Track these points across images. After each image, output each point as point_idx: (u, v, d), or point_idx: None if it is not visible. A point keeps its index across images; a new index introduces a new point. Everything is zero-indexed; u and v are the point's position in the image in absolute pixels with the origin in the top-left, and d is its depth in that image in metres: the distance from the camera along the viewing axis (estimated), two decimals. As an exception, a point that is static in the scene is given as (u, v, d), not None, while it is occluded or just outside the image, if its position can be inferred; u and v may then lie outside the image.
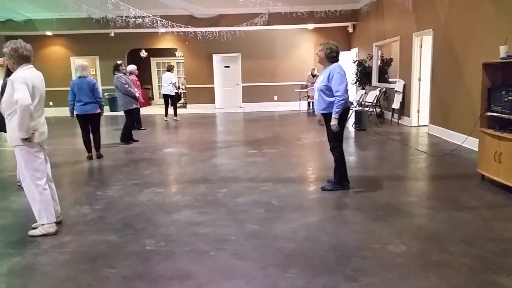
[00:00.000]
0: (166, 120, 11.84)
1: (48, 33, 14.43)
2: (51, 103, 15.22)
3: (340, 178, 4.68)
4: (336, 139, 4.57)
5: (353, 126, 9.38)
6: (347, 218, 3.87)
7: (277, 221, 3.80)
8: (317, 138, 8.31)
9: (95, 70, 16.20)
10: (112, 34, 14.28)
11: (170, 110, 11.78)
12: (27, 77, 3.43)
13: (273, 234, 3.50)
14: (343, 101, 4.31)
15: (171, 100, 11.81)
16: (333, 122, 4.36)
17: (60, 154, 7.28)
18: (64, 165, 6.48)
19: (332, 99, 4.36)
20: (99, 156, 6.78)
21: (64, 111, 12.91)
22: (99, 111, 6.58)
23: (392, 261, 2.95)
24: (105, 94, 15.17)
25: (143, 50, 16.38)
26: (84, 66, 6.62)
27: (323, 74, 4.45)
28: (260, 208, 4.15)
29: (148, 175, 5.64)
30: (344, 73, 4.41)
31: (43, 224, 3.57)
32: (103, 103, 6.72)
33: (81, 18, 12.95)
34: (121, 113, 8.56)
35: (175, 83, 11.71)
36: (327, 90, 4.39)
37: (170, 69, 11.85)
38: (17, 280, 2.83)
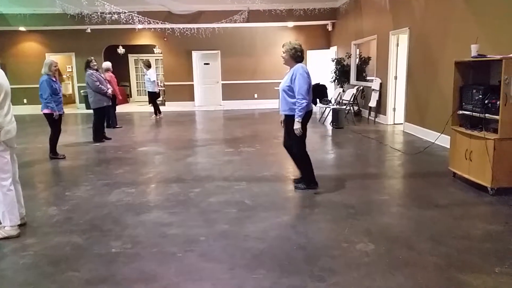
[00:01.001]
0: (154, 117, 11.78)
1: (22, 28, 14.02)
2: (25, 101, 14.87)
3: (311, 177, 4.64)
4: (299, 142, 4.50)
5: (331, 124, 9.42)
6: (318, 217, 3.86)
7: (248, 220, 3.76)
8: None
9: (71, 67, 15.86)
10: (89, 31, 13.97)
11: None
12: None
13: (243, 234, 3.46)
14: (305, 104, 4.23)
15: (150, 97, 11.73)
16: (296, 126, 4.27)
17: (31, 153, 7.07)
18: (33, 164, 6.30)
19: (294, 100, 4.29)
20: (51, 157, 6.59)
21: (38, 109, 12.64)
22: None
23: (360, 260, 2.94)
24: (81, 91, 14.88)
25: (120, 47, 16.12)
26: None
27: (287, 75, 4.42)
28: (232, 208, 4.10)
29: (120, 175, 5.53)
30: (308, 74, 4.32)
31: (4, 227, 3.44)
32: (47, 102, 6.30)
33: (56, 14, 12.63)
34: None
35: (154, 80, 11.53)
36: (290, 91, 4.32)
37: (149, 65, 11.70)
38: (-27, 286, 2.72)
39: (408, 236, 3.34)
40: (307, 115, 4.40)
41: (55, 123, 6.36)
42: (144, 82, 11.83)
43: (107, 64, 10.00)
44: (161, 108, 12.54)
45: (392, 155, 6.41)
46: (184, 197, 4.48)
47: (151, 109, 12.45)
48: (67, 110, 14.68)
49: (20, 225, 3.58)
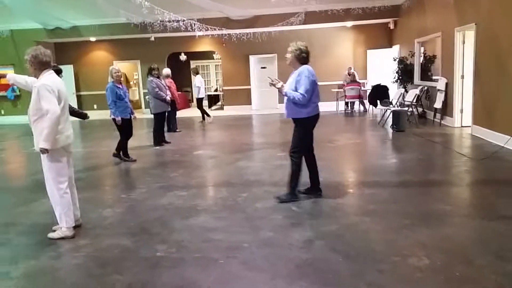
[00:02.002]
0: (201, 122, 12.09)
1: (92, 38, 15.01)
2: (95, 106, 15.85)
3: (293, 189, 4.35)
4: (298, 144, 4.34)
5: (391, 127, 8.97)
6: (369, 226, 3.64)
7: (294, 228, 3.65)
8: (351, 140, 8.02)
9: (137, 74, 16.69)
10: (153, 39, 14.61)
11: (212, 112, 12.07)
12: (51, 83, 3.49)
13: (288, 242, 3.35)
14: (301, 98, 4.06)
15: (197, 103, 12.09)
16: (279, 86, 4.17)
17: (96, 156, 7.49)
18: (96, 167, 6.66)
19: (310, 101, 4.16)
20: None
21: (108, 114, 13.51)
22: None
23: (411, 276, 2.71)
24: (146, 97, 15.59)
25: (182, 54, 16.67)
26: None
27: (292, 77, 4.22)
28: (278, 214, 4.01)
29: (174, 178, 5.66)
30: (313, 76, 4.13)
31: (61, 228, 3.63)
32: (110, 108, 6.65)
33: (121, 23, 13.34)
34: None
35: (198, 87, 11.88)
36: None
37: (196, 72, 12.08)
38: (28, 284, 2.88)
39: (468, 250, 3.04)
40: (313, 119, 4.28)
41: (121, 127, 6.66)
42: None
43: (167, 71, 10.34)
44: (220, 112, 12.77)
45: (457, 160, 5.93)
46: (231, 202, 4.46)
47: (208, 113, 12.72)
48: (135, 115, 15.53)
49: (75, 227, 3.76)
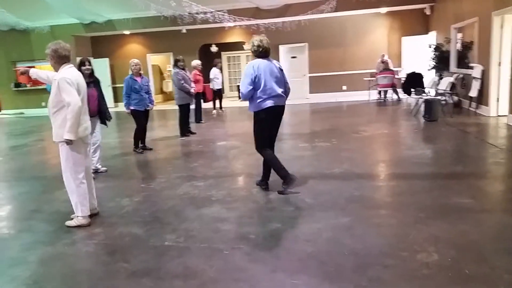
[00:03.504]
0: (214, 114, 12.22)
1: (126, 32, 15.37)
2: (130, 98, 16.26)
3: (285, 177, 4.34)
4: (256, 138, 4.42)
5: (423, 116, 8.62)
6: (381, 220, 3.52)
7: (303, 220, 3.60)
8: (378, 130, 7.79)
9: (170, 66, 16.96)
10: (184, 31, 14.78)
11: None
12: (71, 76, 3.60)
13: (294, 234, 3.31)
14: (240, 95, 4.31)
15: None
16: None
17: (123, 147, 7.69)
18: (121, 156, 6.83)
19: (256, 96, 4.16)
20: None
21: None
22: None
23: (417, 272, 2.61)
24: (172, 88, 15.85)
25: (213, 45, 16.76)
26: None
27: None
28: (290, 206, 3.96)
29: (194, 168, 5.72)
30: (258, 71, 4.08)
31: (77, 216, 3.76)
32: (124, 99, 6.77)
33: (153, 17, 13.55)
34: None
35: (211, 78, 12.01)
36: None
37: (214, 65, 12.15)
38: (41, 269, 3.01)
39: (483, 248, 2.87)
40: (263, 113, 4.21)
41: (135, 119, 6.81)
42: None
43: (194, 62, 10.43)
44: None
45: (488, 151, 5.63)
46: (245, 193, 4.46)
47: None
48: (167, 106, 15.84)
49: (92, 215, 3.89)
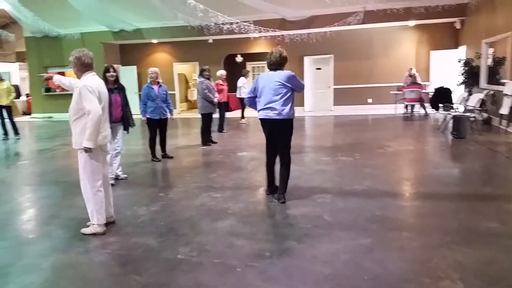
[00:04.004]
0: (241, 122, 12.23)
1: (154, 40, 15.63)
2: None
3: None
4: None
5: (451, 133, 8.32)
6: (404, 242, 3.35)
7: (321, 239, 3.46)
8: (404, 146, 7.56)
9: (196, 75, 17.11)
10: (211, 41, 14.92)
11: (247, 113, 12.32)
12: (93, 84, 3.62)
13: (311, 254, 3.18)
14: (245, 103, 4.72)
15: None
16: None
17: (145, 154, 7.70)
18: (142, 164, 6.84)
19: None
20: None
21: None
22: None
23: (440, 303, 2.44)
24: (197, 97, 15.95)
25: (238, 55, 16.83)
26: None
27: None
28: (308, 223, 3.83)
29: (213, 179, 5.66)
30: (256, 83, 4.47)
31: (93, 224, 3.75)
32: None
33: (181, 26, 13.75)
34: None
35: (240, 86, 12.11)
36: None
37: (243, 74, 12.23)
38: (52, 277, 2.99)
39: (514, 280, 2.68)
40: (260, 121, 4.48)
41: (148, 127, 6.85)
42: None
43: (219, 72, 10.47)
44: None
45: (520, 173, 5.35)
46: (262, 207, 4.36)
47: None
48: (191, 114, 15.90)
49: (109, 223, 3.87)
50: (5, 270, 3.11)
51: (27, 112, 17.71)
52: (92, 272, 3.05)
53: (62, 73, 17.69)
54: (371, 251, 3.20)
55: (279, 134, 4.42)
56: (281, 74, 4.31)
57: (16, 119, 10.88)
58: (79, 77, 3.75)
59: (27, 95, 17.82)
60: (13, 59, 20.01)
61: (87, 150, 3.58)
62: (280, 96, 4.27)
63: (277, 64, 4.36)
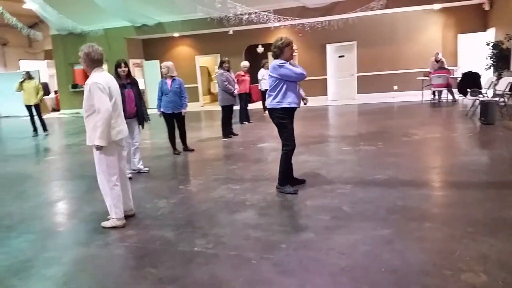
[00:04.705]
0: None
1: (175, 34, 15.73)
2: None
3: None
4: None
5: (479, 119, 8.01)
6: (425, 233, 3.24)
7: (339, 231, 3.39)
8: (430, 133, 7.33)
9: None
10: (231, 32, 14.87)
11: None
12: (102, 81, 3.57)
13: (328, 246, 3.12)
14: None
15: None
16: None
17: (168, 147, 7.76)
18: (164, 157, 6.91)
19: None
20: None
21: (192, 106, 14.27)
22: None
23: (461, 297, 2.34)
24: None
25: (259, 46, 16.72)
26: None
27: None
28: (326, 214, 3.76)
29: (232, 171, 5.66)
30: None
31: (112, 218, 3.80)
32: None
33: (201, 19, 13.75)
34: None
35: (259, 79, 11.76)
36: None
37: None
38: (72, 270, 3.06)
39: (542, 272, 2.54)
40: (282, 111, 4.30)
41: (166, 121, 6.87)
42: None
43: (243, 64, 10.43)
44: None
45: (553, 159, 5.08)
46: (280, 198, 4.32)
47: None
48: (214, 107, 15.91)
49: (128, 216, 3.92)
50: (29, 263, 3.19)
51: (56, 109, 18.24)
52: (110, 266, 3.10)
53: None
54: (390, 242, 3.11)
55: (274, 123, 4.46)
56: (271, 64, 4.33)
57: (45, 116, 11.23)
58: (88, 73, 3.70)
59: (55, 92, 18.32)
60: (41, 57, 20.62)
61: (98, 148, 3.60)
62: (270, 86, 4.35)
63: (274, 54, 4.33)
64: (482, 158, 5.53)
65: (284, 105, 4.29)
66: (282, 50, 4.24)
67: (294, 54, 4.52)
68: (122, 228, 3.76)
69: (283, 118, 4.34)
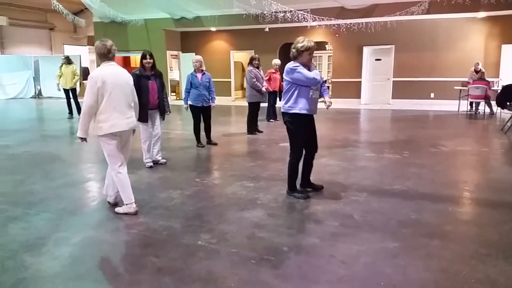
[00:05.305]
0: None
1: (212, 28, 15.87)
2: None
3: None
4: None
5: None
6: (433, 250, 3.13)
7: (345, 239, 3.34)
8: (460, 146, 7.06)
9: (252, 63, 17.16)
10: (267, 29, 14.84)
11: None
12: (99, 75, 3.64)
13: (331, 253, 3.08)
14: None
15: None
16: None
17: (192, 139, 7.83)
18: (186, 149, 7.01)
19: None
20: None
21: (223, 100, 14.40)
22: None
23: (458, 320, 2.26)
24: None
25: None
26: None
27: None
28: (335, 221, 3.71)
29: (250, 168, 5.67)
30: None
31: (126, 204, 3.91)
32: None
33: (238, 15, 13.80)
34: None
35: None
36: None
37: None
38: (78, 252, 3.17)
39: (551, 304, 2.40)
40: (293, 116, 4.16)
41: (193, 114, 6.95)
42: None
43: (274, 61, 10.39)
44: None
45: None
46: (292, 200, 4.29)
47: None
48: (244, 103, 15.97)
49: (111, 204, 4.08)
50: (42, 241, 3.34)
51: (94, 93, 18.85)
52: (115, 251, 3.19)
53: (128, 58, 18.68)
54: (395, 256, 3.03)
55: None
56: (285, 67, 4.18)
57: (82, 100, 11.64)
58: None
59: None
60: (84, 42, 21.38)
61: (81, 139, 3.76)
62: (284, 89, 4.24)
63: (291, 55, 4.16)
64: (510, 177, 5.27)
65: (295, 110, 4.14)
66: (301, 54, 4.06)
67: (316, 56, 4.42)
68: (134, 215, 3.86)
69: (293, 124, 4.20)
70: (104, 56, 3.76)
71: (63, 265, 2.94)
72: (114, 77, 3.75)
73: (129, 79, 3.94)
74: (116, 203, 4.10)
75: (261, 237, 3.37)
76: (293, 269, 2.85)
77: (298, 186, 4.48)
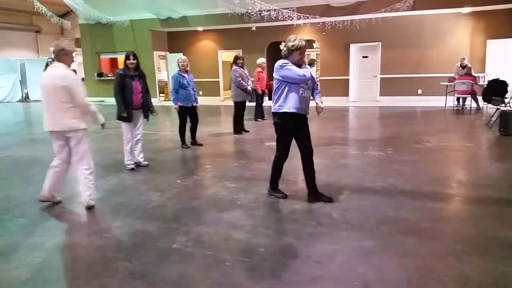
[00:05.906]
0: None
1: (199, 28, 15.79)
2: (200, 93, 16.70)
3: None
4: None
5: (499, 130, 7.67)
6: (409, 248, 3.11)
7: (321, 238, 3.31)
8: (444, 142, 7.08)
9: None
10: (254, 28, 14.79)
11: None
12: (42, 77, 3.94)
13: (306, 254, 3.05)
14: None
15: None
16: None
17: (176, 141, 7.76)
18: (170, 150, 6.95)
19: None
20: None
21: (212, 100, 14.26)
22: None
23: (428, 319, 2.23)
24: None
25: (282, 43, 16.55)
26: None
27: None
28: (313, 220, 3.68)
29: (232, 168, 5.63)
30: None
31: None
32: (171, 95, 6.93)
33: (224, 14, 13.74)
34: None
35: None
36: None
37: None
38: (51, 257, 3.11)
39: (522, 299, 2.39)
40: (282, 116, 4.01)
41: (180, 114, 6.89)
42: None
43: (259, 60, 10.33)
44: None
45: None
46: (273, 200, 4.25)
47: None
48: (231, 102, 15.95)
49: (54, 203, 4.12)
50: (14, 247, 3.28)
51: (82, 96, 18.68)
52: (88, 256, 3.13)
53: (115, 59, 18.53)
54: (370, 255, 3.00)
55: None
56: (275, 65, 4.04)
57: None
58: None
59: (83, 79, 18.78)
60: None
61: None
62: (274, 88, 4.13)
63: (282, 54, 4.05)
64: (492, 172, 5.28)
65: (284, 109, 3.98)
66: (291, 53, 3.93)
67: (306, 55, 4.32)
68: (109, 219, 3.82)
69: (281, 125, 4.06)
70: (56, 56, 3.88)
71: (33, 271, 2.88)
72: (48, 79, 3.87)
73: (59, 80, 3.80)
74: (93, 206, 4.10)
75: (238, 239, 3.34)
76: (268, 271, 2.82)
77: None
